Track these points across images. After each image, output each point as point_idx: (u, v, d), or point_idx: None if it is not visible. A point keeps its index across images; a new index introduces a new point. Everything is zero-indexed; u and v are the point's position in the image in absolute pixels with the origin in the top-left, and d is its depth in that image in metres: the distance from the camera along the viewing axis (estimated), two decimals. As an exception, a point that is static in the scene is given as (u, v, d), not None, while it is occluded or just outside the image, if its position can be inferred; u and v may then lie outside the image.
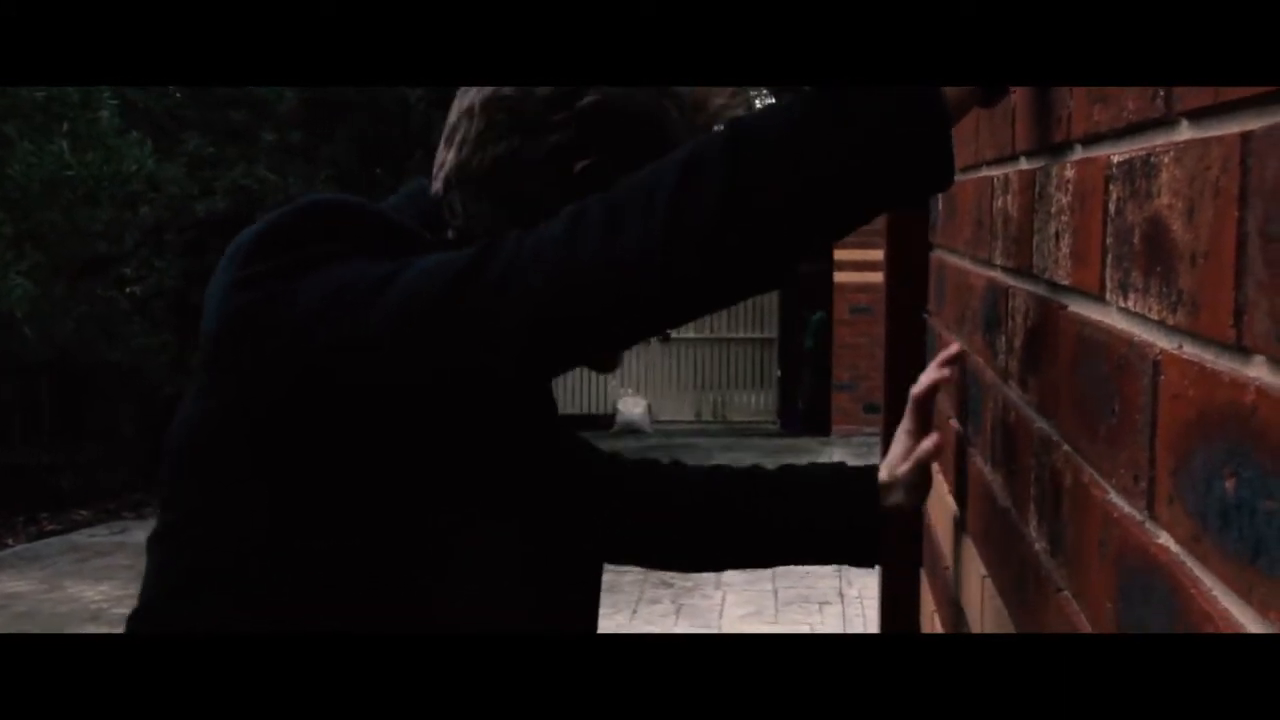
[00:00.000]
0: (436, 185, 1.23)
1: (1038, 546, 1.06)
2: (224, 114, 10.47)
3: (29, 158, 8.44)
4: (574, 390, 13.84)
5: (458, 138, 1.21)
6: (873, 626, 5.00)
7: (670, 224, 0.95)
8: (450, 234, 1.21)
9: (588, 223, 0.98)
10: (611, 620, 6.32)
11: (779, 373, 13.61)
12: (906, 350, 2.19)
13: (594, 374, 13.88)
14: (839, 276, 12.31)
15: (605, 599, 5.79)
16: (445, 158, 1.22)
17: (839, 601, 6.69)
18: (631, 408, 13.39)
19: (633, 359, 13.78)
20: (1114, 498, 0.83)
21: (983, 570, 1.40)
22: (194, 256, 10.20)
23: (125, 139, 8.98)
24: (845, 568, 7.88)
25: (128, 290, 10.27)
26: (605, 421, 13.33)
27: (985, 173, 1.42)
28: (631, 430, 13.10)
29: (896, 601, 2.28)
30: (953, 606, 1.68)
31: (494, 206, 1.19)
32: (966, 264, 1.56)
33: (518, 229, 1.03)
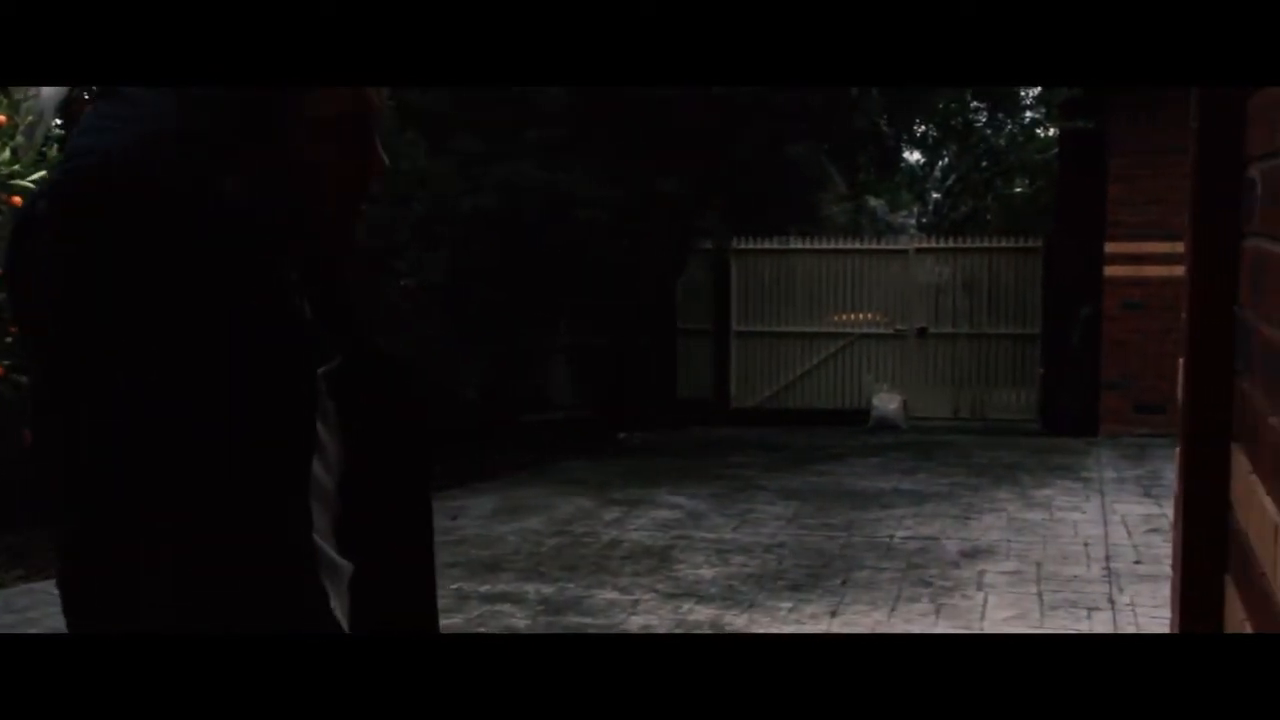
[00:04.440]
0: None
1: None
2: (491, 113, 10.81)
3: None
4: (827, 385, 13.75)
5: None
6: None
7: None
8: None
9: None
10: (869, 618, 6.23)
11: (1041, 370, 13.17)
12: (1213, 346, 2.08)
13: (848, 369, 13.77)
14: (1109, 270, 11.75)
15: (862, 596, 5.68)
16: None
17: (1109, 608, 6.43)
18: (886, 403, 13.19)
19: (889, 353, 13.59)
20: None
21: (1316, 577, 1.32)
22: (461, 251, 10.60)
23: (402, 138, 9.41)
24: (1118, 573, 7.39)
25: (401, 282, 10.75)
26: (859, 417, 13.19)
27: (1322, 155, 1.34)
28: (886, 426, 12.91)
29: (1195, 608, 2.17)
30: (1273, 615, 1.59)
31: None
32: (1296, 252, 1.47)
33: None
